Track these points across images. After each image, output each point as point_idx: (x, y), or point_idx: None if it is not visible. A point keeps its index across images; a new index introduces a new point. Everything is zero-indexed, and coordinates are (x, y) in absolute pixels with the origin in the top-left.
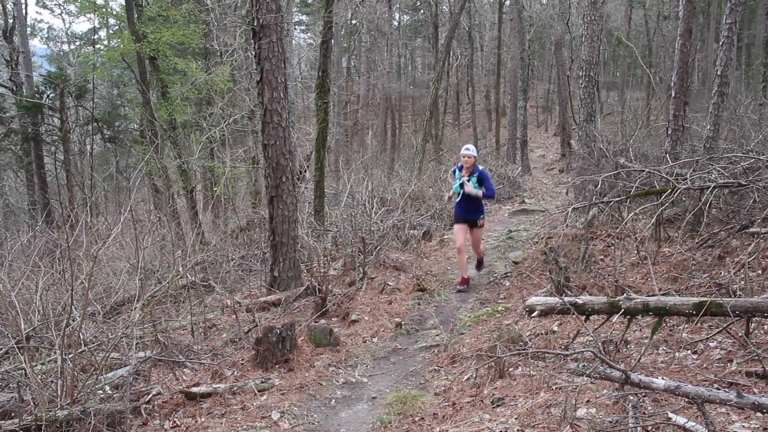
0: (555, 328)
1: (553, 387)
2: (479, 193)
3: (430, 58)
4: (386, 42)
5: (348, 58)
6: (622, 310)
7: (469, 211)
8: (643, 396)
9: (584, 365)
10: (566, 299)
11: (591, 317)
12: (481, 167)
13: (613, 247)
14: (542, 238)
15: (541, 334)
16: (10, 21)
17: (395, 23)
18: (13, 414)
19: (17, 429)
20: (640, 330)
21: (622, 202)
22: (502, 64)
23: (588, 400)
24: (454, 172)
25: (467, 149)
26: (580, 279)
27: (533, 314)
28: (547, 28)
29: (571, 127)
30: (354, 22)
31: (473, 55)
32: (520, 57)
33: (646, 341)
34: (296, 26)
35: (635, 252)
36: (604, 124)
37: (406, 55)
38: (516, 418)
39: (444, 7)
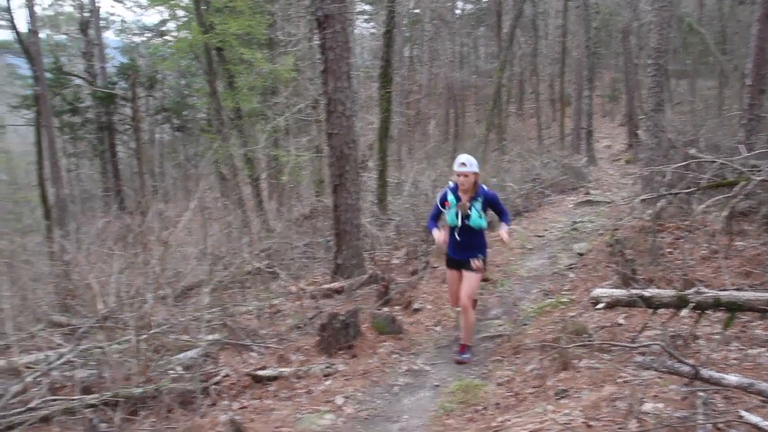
0: (621, 321)
1: (619, 380)
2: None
3: (493, 48)
4: (449, 31)
5: (410, 48)
6: (692, 304)
7: (467, 249)
8: (713, 393)
9: (651, 359)
10: (633, 291)
11: (658, 311)
12: (486, 187)
13: (682, 240)
14: (608, 229)
15: (607, 326)
16: (86, 15)
17: (458, 12)
18: (93, 389)
19: (97, 403)
20: (710, 326)
21: (692, 193)
22: (567, 52)
23: (655, 395)
24: (445, 195)
25: (462, 164)
26: (647, 272)
27: (598, 306)
28: (614, 16)
29: (639, 117)
30: (417, 11)
31: (537, 43)
32: (585, 45)
33: (716, 337)
34: (359, 16)
35: (705, 245)
36: (674, 113)
37: (469, 44)
38: (580, 411)
39: None
